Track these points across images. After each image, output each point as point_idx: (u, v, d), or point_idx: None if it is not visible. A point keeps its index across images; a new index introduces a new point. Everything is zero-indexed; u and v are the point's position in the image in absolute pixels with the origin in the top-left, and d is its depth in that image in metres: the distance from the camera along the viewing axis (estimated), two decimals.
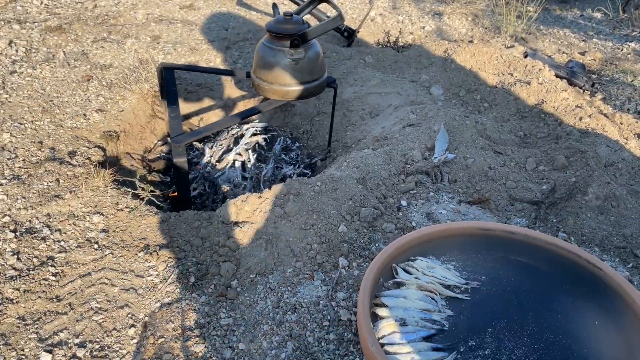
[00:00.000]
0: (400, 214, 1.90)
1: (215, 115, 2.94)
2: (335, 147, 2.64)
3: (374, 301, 1.46)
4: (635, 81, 3.15)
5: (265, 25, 2.17)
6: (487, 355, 1.30)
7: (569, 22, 4.60)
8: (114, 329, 1.45)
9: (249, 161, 2.46)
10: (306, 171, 2.52)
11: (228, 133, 2.64)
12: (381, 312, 1.42)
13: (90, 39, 3.48)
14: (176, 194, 2.07)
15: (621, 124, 2.55)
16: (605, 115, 2.60)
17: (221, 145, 2.55)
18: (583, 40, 4.03)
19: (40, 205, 1.86)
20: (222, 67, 3.23)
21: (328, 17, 2.59)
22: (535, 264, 1.58)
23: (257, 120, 2.82)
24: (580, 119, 2.44)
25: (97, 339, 1.42)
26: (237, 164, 2.44)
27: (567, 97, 2.60)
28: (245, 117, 2.22)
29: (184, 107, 2.91)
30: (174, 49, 3.43)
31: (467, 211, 1.92)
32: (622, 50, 3.78)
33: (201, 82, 3.01)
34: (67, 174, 2.02)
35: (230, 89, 3.05)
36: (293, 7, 3.23)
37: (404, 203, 1.95)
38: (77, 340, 1.41)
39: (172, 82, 2.34)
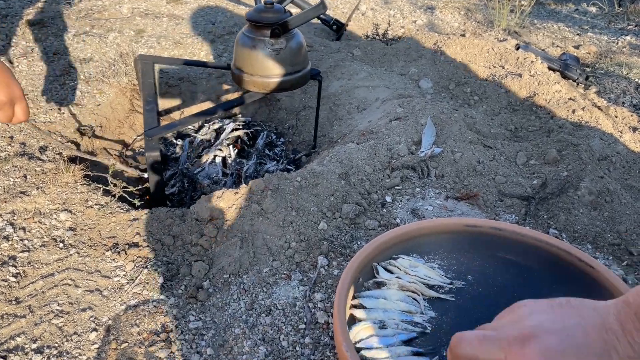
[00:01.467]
0: (385, 210, 1.81)
1: (198, 110, 2.85)
2: (321, 142, 2.56)
3: (352, 302, 1.37)
4: (630, 74, 3.07)
5: (245, 15, 2.09)
6: None
7: (563, 16, 4.52)
8: (75, 333, 1.36)
9: (230, 157, 2.37)
10: (290, 167, 2.43)
11: (209, 128, 2.54)
12: (359, 314, 1.33)
13: (72, 32, 3.39)
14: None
15: (616, 117, 2.47)
16: (599, 108, 2.52)
17: (201, 140, 2.45)
18: (578, 34, 3.95)
19: (5, 202, 1.76)
20: (205, 60, 3.13)
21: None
22: (524, 262, 1.50)
23: (240, 115, 2.73)
24: (573, 111, 2.35)
25: (56, 344, 1.32)
26: (218, 159, 2.35)
27: (560, 89, 2.52)
28: (224, 109, 2.13)
29: (165, 102, 2.82)
30: (157, 43, 3.33)
31: (454, 207, 1.84)
32: (617, 43, 3.71)
33: (183, 75, 2.92)
34: (36, 170, 1.93)
35: (213, 82, 2.95)
36: None
37: (388, 199, 1.86)
38: (34, 346, 1.32)
39: (149, 75, 2.25)
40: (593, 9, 4.69)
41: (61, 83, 2.65)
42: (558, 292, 1.40)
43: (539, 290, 1.41)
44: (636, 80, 2.99)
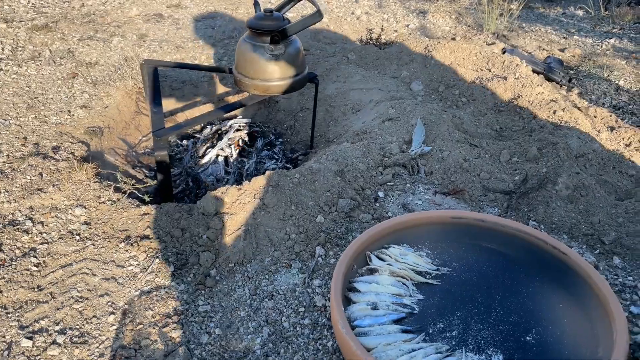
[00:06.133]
0: (377, 204, 1.95)
1: (200, 112, 2.97)
2: (318, 142, 2.69)
3: (347, 287, 1.50)
4: (611, 76, 3.22)
5: (246, 22, 2.22)
6: (454, 337, 1.35)
7: (551, 20, 4.68)
8: (94, 316, 1.49)
9: (232, 156, 2.50)
10: (288, 166, 2.56)
11: (212, 129, 2.67)
12: (354, 296, 1.46)
13: (76, 37, 3.51)
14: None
15: (595, 117, 2.61)
16: (579, 108, 2.67)
17: (204, 141, 2.58)
18: (564, 37, 4.10)
19: (23, 198, 1.89)
20: (207, 64, 3.26)
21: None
22: (504, 251, 1.64)
23: (241, 116, 2.86)
24: (554, 112, 2.50)
25: (77, 326, 1.45)
26: (220, 159, 2.48)
27: (542, 91, 2.66)
28: (227, 111, 2.26)
29: (169, 104, 2.94)
30: (159, 47, 3.46)
31: (442, 202, 1.98)
32: (601, 46, 3.86)
33: (185, 79, 3.04)
34: (50, 168, 2.05)
35: (215, 85, 3.08)
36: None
37: (381, 194, 2.00)
38: (57, 328, 1.44)
39: (155, 79, 2.38)
40: (580, 13, 4.85)
41: (69, 86, 2.77)
42: (535, 276, 1.54)
43: (517, 275, 1.55)
44: (616, 82, 3.14)
